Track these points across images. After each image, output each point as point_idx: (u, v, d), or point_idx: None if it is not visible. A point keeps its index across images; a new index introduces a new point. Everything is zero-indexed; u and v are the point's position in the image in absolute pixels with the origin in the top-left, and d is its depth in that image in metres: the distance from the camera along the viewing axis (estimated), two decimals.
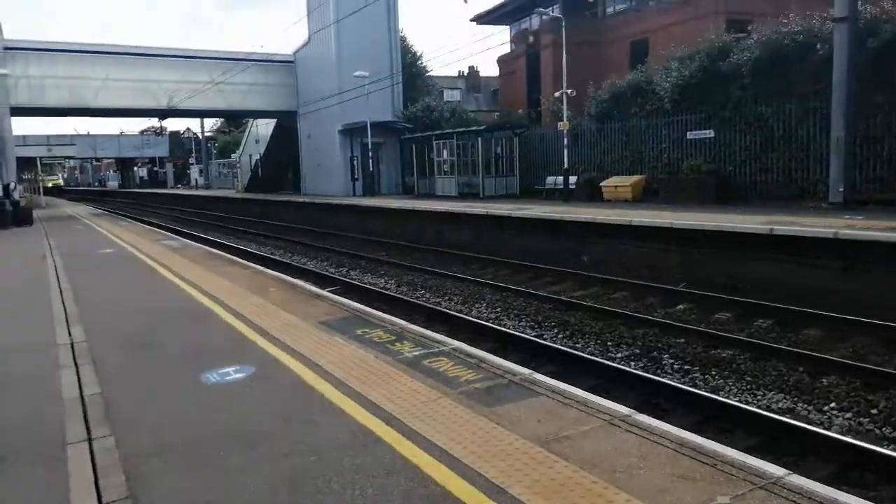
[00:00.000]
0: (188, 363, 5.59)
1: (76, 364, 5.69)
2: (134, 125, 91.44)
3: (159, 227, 25.36)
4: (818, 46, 15.84)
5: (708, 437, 5.19)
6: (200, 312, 7.67)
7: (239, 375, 5.20)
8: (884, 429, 5.73)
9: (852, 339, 8.21)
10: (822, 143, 15.95)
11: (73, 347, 6.27)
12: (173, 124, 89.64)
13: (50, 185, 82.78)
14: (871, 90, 15.15)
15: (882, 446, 5.23)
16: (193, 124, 73.75)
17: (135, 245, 15.39)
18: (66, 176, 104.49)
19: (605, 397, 5.81)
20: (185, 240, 17.45)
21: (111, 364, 5.69)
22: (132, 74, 31.72)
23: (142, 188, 73.14)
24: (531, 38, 33.18)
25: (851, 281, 10.15)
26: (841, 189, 14.70)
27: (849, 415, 6.05)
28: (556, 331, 9.38)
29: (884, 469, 4.80)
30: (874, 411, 6.05)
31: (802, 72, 16.60)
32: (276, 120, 38.56)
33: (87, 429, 4.20)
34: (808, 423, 5.72)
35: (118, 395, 4.86)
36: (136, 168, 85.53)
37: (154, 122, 68.54)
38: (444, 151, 28.01)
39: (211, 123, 75.30)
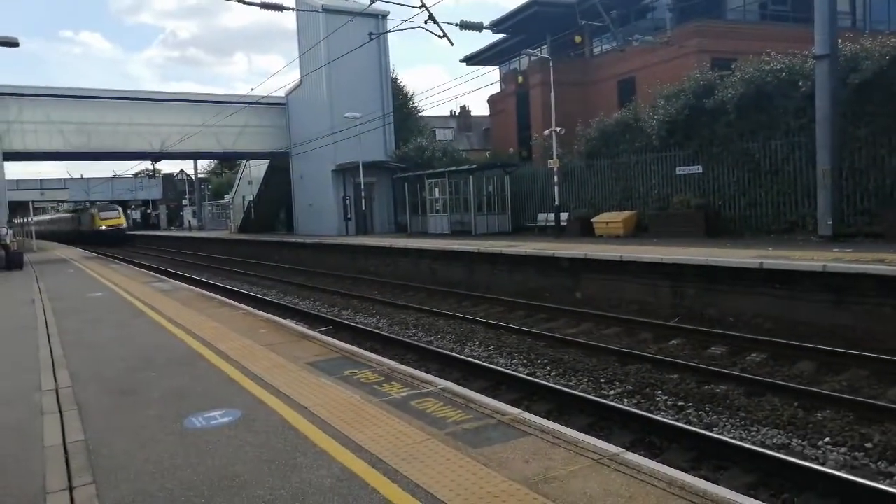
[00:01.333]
0: (174, 408, 5.50)
1: (60, 410, 5.60)
2: (127, 167, 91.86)
3: (151, 269, 25.28)
4: (800, 83, 16.13)
5: (703, 475, 5.15)
6: (188, 355, 7.59)
7: (225, 419, 5.11)
8: (879, 463, 5.67)
9: (845, 373, 8.18)
10: (809, 177, 16.12)
11: (57, 393, 6.17)
12: (167, 166, 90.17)
13: (104, 227, 53.29)
14: (854, 124, 15.40)
15: (878, 481, 5.17)
16: (187, 166, 74.20)
17: (125, 288, 15.31)
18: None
19: (598, 436, 5.78)
20: (176, 282, 17.38)
21: (96, 410, 5.60)
22: (125, 118, 31.99)
23: (135, 230, 73.08)
24: (520, 78, 33.69)
25: (843, 313, 10.16)
26: (829, 222, 14.81)
27: (843, 449, 5.98)
28: (548, 368, 9.31)
29: None
30: (869, 445, 5.99)
31: (786, 108, 16.87)
32: (268, 161, 38.81)
33: (69, 477, 4.10)
34: (803, 459, 5.66)
35: (101, 441, 4.76)
36: (129, 210, 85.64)
37: (148, 164, 68.89)
38: (437, 190, 28.18)
39: (205, 165, 75.76)
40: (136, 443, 4.72)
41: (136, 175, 79.52)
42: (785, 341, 9.54)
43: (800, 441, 6.25)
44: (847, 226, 15.17)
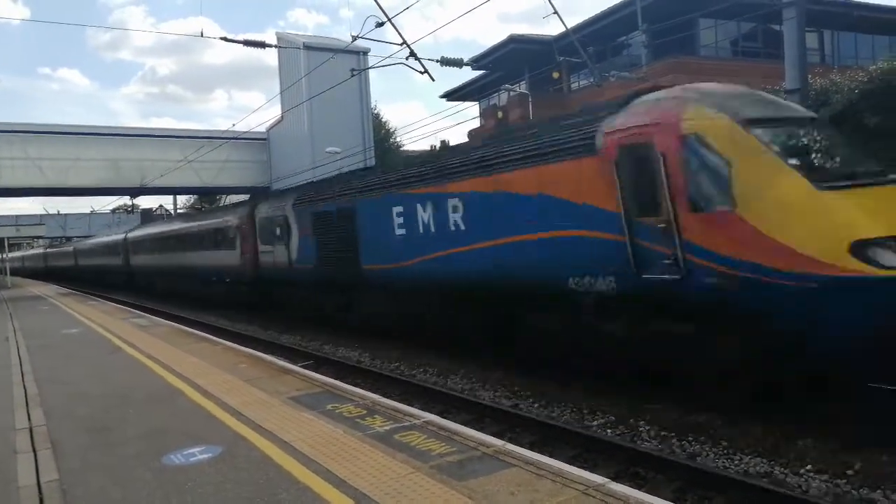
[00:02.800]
0: (152, 445, 5.40)
1: (34, 449, 5.47)
2: (105, 203, 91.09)
3: (129, 304, 24.91)
4: None
5: None
6: (166, 392, 7.47)
7: (204, 456, 5.03)
8: (861, 490, 5.69)
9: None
10: None
11: (31, 432, 6.04)
12: (146, 201, 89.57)
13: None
14: None
15: None
16: (166, 201, 73.77)
17: (101, 324, 15.08)
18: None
19: (583, 467, 5.75)
20: (154, 317, 17.15)
21: (71, 448, 5.48)
22: (104, 154, 31.92)
23: None
24: (500, 113, 34.18)
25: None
26: None
27: (825, 476, 6.00)
28: (531, 400, 9.27)
29: None
30: (850, 472, 6.02)
31: None
32: (249, 196, 38.79)
33: None
34: (786, 487, 5.67)
35: (77, 480, 4.65)
36: None
37: (126, 199, 68.42)
38: None
39: (184, 199, 75.35)
40: (113, 481, 4.62)
41: (113, 211, 78.89)
42: None
43: (782, 469, 6.26)
44: None
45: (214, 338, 12.38)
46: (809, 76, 15.91)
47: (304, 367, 10.20)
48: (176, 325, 15.13)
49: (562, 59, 23.23)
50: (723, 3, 21.03)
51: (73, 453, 5.33)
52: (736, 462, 6.54)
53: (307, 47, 31.23)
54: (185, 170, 32.71)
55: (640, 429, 7.71)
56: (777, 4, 16.20)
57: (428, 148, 61.35)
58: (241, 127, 29.51)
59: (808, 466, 6.23)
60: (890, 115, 14.52)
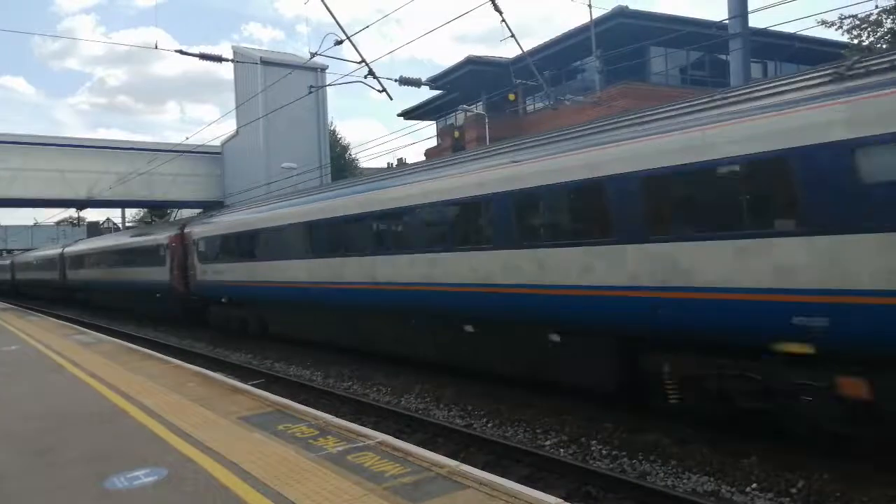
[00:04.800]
0: (94, 468, 5.21)
1: None
2: (51, 215, 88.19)
3: (71, 320, 24.07)
4: None
5: None
6: (111, 412, 7.23)
7: (149, 479, 4.87)
8: None
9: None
10: None
11: None
12: (92, 214, 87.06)
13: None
14: None
15: None
16: (114, 213, 71.89)
17: (41, 340, 14.53)
18: None
19: (535, 487, 5.77)
20: (98, 334, 16.61)
21: (8, 471, 5.24)
22: (50, 164, 30.99)
23: None
24: (456, 133, 34.45)
25: None
26: None
27: (770, 494, 6.16)
28: (485, 420, 9.27)
29: None
30: (794, 490, 6.19)
31: None
32: (201, 210, 38.11)
33: None
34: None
35: None
36: None
37: (71, 212, 66.47)
38: None
39: (133, 213, 73.55)
40: None
41: (58, 223, 76.44)
42: None
43: (729, 487, 6.39)
44: None
45: (161, 356, 12.05)
46: None
47: (255, 385, 10.01)
48: (121, 342, 14.68)
49: (518, 81, 23.61)
50: (673, 33, 21.75)
51: (11, 477, 5.10)
52: (684, 481, 6.65)
53: (264, 62, 31.02)
54: (134, 182, 31.97)
55: (592, 448, 7.79)
56: (724, 35, 16.85)
57: (385, 166, 61.46)
58: (195, 140, 29.11)
59: (754, 485, 6.38)
60: None
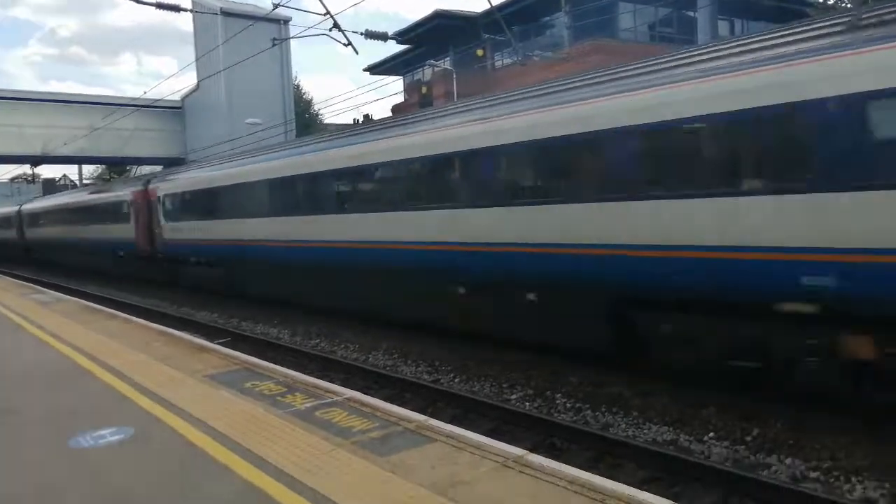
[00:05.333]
0: (58, 428, 5.15)
1: None
2: (3, 172, 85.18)
3: (30, 280, 23.52)
4: None
5: (599, 473, 5.36)
6: (74, 372, 7.13)
7: (115, 438, 4.84)
8: (758, 455, 6.09)
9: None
10: None
11: None
12: (48, 171, 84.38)
13: None
14: None
15: (756, 473, 5.55)
16: (71, 170, 69.77)
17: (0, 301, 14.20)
18: None
19: (501, 439, 5.90)
20: (57, 293, 16.27)
21: None
22: (4, 119, 29.82)
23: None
24: (424, 89, 33.95)
25: None
26: None
27: (726, 443, 6.39)
28: (452, 375, 9.39)
29: (761, 495, 5.09)
30: (748, 439, 6.43)
31: None
32: (161, 167, 37.18)
33: None
34: (690, 454, 6.00)
35: None
36: None
37: (26, 168, 64.29)
38: None
39: (91, 170, 71.46)
40: (14, 467, 4.39)
41: (12, 180, 73.96)
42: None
43: (687, 437, 6.62)
44: None
45: (125, 315, 11.88)
46: None
47: (222, 344, 9.96)
48: (82, 301, 14.41)
49: (487, 36, 23.29)
50: None
51: None
52: (645, 431, 6.86)
53: (224, 13, 29.99)
54: (91, 138, 30.98)
55: (557, 401, 7.96)
56: None
57: (351, 121, 60.46)
58: (154, 95, 28.21)
59: (711, 434, 6.61)
60: None
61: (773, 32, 6.85)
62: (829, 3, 19.90)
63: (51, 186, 71.84)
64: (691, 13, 28.54)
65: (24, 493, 3.92)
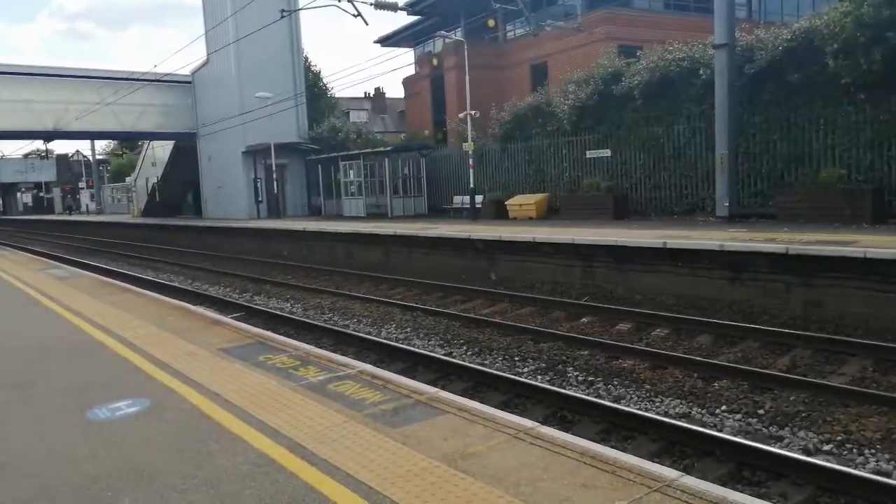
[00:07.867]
0: (76, 400, 5.22)
1: None
2: (16, 148, 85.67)
3: (45, 255, 23.77)
4: (701, 71, 16.90)
5: (611, 446, 5.38)
6: (89, 345, 7.21)
7: (131, 410, 4.90)
8: (770, 427, 6.09)
9: (740, 345, 8.71)
10: (709, 161, 16.97)
11: None
12: (61, 146, 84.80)
13: None
14: (749, 112, 16.32)
15: (769, 444, 5.55)
16: (83, 146, 70.08)
17: (15, 275, 14.35)
18: None
19: (512, 412, 5.93)
20: (73, 268, 16.43)
21: None
22: (14, 94, 29.79)
23: (26, 215, 68.46)
24: (435, 61, 33.64)
25: (739, 289, 10.80)
26: (726, 204, 15.66)
27: (739, 416, 6.39)
28: (465, 348, 9.43)
29: (772, 467, 5.09)
30: (761, 412, 6.43)
31: (688, 94, 17.66)
32: (174, 142, 37.16)
33: None
34: (703, 426, 6.00)
35: None
36: (19, 194, 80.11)
37: (39, 144, 64.67)
38: (351, 172, 27.87)
39: (103, 145, 71.75)
40: (36, 437, 4.46)
41: (26, 156, 74.43)
42: (686, 316, 10.07)
43: (699, 410, 6.63)
44: (742, 207, 16.10)
45: (139, 289, 11.98)
46: (737, 31, 16.26)
47: (235, 318, 10.03)
48: (98, 276, 14.55)
49: (498, 6, 22.93)
50: None
51: None
52: (657, 404, 6.87)
53: None
54: (103, 113, 30.96)
55: (569, 374, 7.99)
56: None
57: (362, 95, 59.98)
58: (164, 69, 28.09)
59: (724, 407, 6.62)
60: (811, 72, 15.06)
61: None
62: None
63: (64, 163, 72.11)
64: None
65: (45, 464, 3.99)
